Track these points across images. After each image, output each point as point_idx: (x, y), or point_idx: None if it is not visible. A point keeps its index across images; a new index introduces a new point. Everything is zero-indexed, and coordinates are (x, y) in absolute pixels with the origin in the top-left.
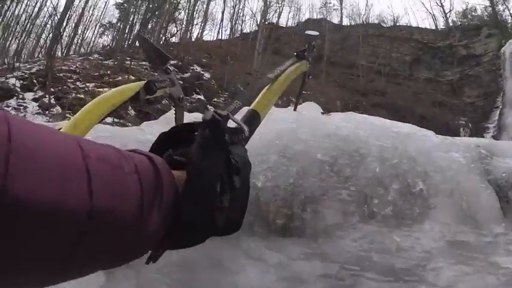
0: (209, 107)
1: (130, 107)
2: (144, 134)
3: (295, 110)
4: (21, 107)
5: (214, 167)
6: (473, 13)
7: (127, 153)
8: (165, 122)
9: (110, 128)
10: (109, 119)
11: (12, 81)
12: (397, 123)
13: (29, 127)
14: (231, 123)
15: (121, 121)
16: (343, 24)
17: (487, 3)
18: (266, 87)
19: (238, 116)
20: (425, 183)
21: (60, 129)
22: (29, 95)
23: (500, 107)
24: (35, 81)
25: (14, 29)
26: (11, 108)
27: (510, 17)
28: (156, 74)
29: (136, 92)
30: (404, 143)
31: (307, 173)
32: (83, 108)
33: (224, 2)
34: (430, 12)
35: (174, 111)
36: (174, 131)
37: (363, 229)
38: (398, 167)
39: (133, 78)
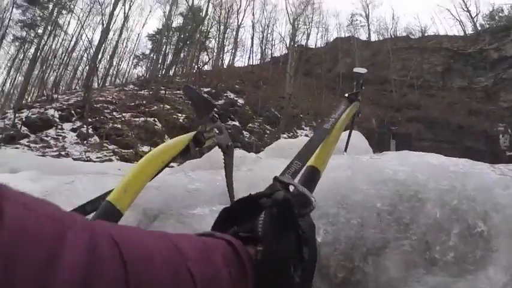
0: (244, 133)
1: (166, 136)
2: (193, 183)
3: (345, 151)
4: (60, 137)
5: (287, 246)
6: (500, 14)
7: (211, 243)
8: (209, 163)
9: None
10: (145, 148)
11: (51, 112)
12: (454, 159)
13: (132, 236)
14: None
15: None
16: (372, 40)
17: None
18: (324, 140)
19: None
20: (486, 224)
21: (108, 192)
22: (68, 125)
23: None
24: (73, 111)
25: (52, 62)
26: (50, 137)
27: None
28: (201, 123)
29: (186, 146)
30: (463, 182)
31: (367, 223)
32: (133, 169)
33: (253, 28)
34: (457, 19)
35: (223, 159)
36: (236, 207)
37: (428, 282)
38: (458, 209)
39: (168, 107)
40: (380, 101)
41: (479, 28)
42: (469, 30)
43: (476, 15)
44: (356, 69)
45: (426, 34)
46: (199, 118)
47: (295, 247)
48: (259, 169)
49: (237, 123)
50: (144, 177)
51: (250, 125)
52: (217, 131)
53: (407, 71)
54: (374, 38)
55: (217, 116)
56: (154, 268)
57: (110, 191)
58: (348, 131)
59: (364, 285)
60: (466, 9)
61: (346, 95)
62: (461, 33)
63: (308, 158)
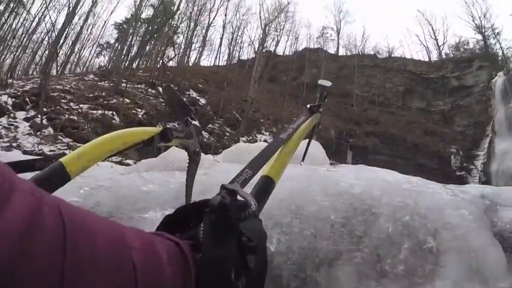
0: (204, 133)
1: None
2: (146, 184)
3: (303, 161)
4: (12, 126)
5: (226, 252)
6: (465, 46)
7: (158, 240)
8: (164, 163)
9: (109, 176)
10: None
11: (3, 98)
12: (408, 177)
13: (79, 213)
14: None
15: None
16: (340, 54)
17: (479, 37)
18: (279, 149)
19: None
20: (436, 241)
21: (60, 156)
22: (21, 114)
23: (490, 135)
24: (27, 99)
25: (10, 43)
26: (1, 127)
27: (501, 50)
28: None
29: (151, 137)
30: (416, 200)
31: (321, 234)
32: (92, 141)
33: (223, 28)
34: (424, 45)
35: (187, 164)
36: (180, 213)
37: None
38: (409, 225)
39: (128, 101)
40: (341, 113)
41: (444, 56)
42: (434, 57)
43: (443, 44)
44: (321, 82)
45: (393, 55)
46: (175, 119)
47: (237, 254)
48: (215, 173)
49: (196, 123)
50: (101, 150)
51: (210, 125)
52: (188, 135)
53: (370, 88)
54: (342, 52)
55: (191, 120)
56: (95, 247)
57: (63, 154)
58: (306, 141)
59: None
60: (434, 37)
61: (308, 106)
62: (426, 59)
63: (260, 167)
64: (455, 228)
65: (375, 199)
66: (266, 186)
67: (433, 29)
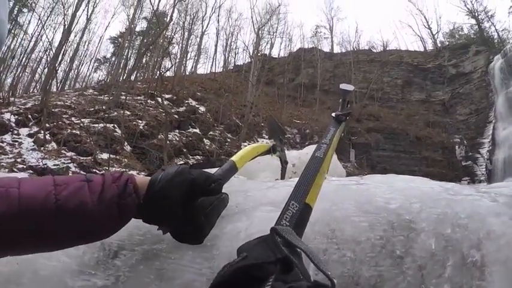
0: (205, 140)
1: (126, 143)
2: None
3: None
4: (16, 143)
5: None
6: (460, 32)
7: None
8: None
9: None
10: (104, 156)
11: (7, 116)
12: (443, 184)
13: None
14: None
15: (117, 157)
16: (334, 51)
17: (473, 22)
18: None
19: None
20: (480, 253)
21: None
22: (24, 131)
23: (493, 121)
24: (30, 116)
25: (9, 63)
26: (5, 143)
27: (496, 33)
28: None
29: (268, 149)
30: (455, 209)
31: (360, 258)
32: (245, 148)
33: (217, 35)
34: (418, 35)
35: (281, 169)
36: (229, 278)
37: None
38: (452, 238)
39: (128, 113)
40: None
41: (439, 45)
42: (429, 46)
43: (437, 32)
44: (343, 86)
45: (388, 48)
46: (271, 138)
47: None
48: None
49: (197, 131)
50: (251, 154)
51: (211, 132)
52: (283, 149)
53: (368, 83)
54: (337, 50)
55: (284, 140)
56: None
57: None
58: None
59: None
60: (427, 26)
61: (334, 114)
62: (422, 49)
63: (305, 196)
64: (500, 238)
65: (413, 213)
66: (305, 215)
67: (425, 18)
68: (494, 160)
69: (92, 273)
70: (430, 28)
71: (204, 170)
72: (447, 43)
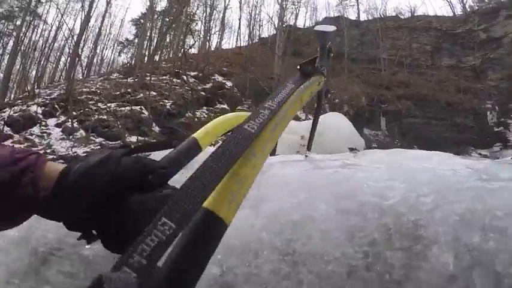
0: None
1: (154, 124)
2: None
3: (308, 150)
4: (45, 134)
5: None
6: None
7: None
8: None
9: None
10: (133, 138)
11: (33, 108)
12: (472, 162)
13: None
14: None
15: (145, 139)
16: (361, 19)
17: None
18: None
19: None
20: None
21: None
22: (52, 121)
23: None
24: (56, 106)
25: (32, 55)
26: (34, 136)
27: None
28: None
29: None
30: (486, 203)
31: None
32: (213, 121)
33: (240, 8)
34: (446, 0)
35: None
36: None
37: None
38: (479, 249)
39: (154, 93)
40: (369, 79)
41: (469, 9)
42: (458, 11)
43: None
44: (319, 27)
45: (416, 14)
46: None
47: None
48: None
49: (225, 106)
50: (221, 128)
51: (239, 107)
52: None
53: (397, 50)
54: (363, 17)
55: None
56: None
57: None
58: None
59: None
60: None
61: (299, 66)
62: (451, 14)
63: (201, 200)
64: None
65: (422, 212)
66: (211, 230)
67: None
68: None
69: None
70: None
71: (150, 153)
72: (476, 7)
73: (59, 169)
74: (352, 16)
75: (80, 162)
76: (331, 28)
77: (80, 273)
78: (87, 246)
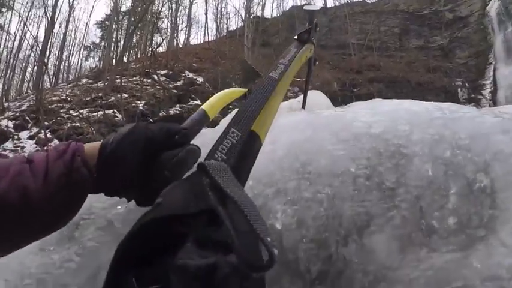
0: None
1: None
2: None
3: (303, 107)
4: (19, 148)
5: None
6: None
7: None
8: None
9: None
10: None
11: (4, 122)
12: (438, 104)
13: None
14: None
15: None
16: (328, 6)
17: None
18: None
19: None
20: (489, 177)
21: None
22: (24, 134)
23: (493, 63)
24: (27, 118)
25: None
26: (8, 151)
27: None
28: None
29: (244, 94)
30: (453, 129)
31: (341, 195)
32: (216, 95)
33: (206, 3)
34: None
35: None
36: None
37: (431, 262)
38: (452, 162)
39: (126, 95)
40: (340, 64)
41: None
42: None
43: None
44: (307, 7)
45: None
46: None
47: None
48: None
49: (198, 102)
50: (223, 101)
51: None
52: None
53: (365, 34)
54: (330, 4)
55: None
56: None
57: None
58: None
59: (350, 277)
60: None
61: (296, 36)
62: None
63: (251, 122)
64: (510, 158)
65: (402, 136)
66: (251, 146)
67: None
68: (497, 100)
69: (51, 250)
70: None
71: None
72: None
73: (96, 146)
74: (319, 3)
75: (113, 135)
76: (317, 7)
77: (108, 235)
78: (118, 207)
